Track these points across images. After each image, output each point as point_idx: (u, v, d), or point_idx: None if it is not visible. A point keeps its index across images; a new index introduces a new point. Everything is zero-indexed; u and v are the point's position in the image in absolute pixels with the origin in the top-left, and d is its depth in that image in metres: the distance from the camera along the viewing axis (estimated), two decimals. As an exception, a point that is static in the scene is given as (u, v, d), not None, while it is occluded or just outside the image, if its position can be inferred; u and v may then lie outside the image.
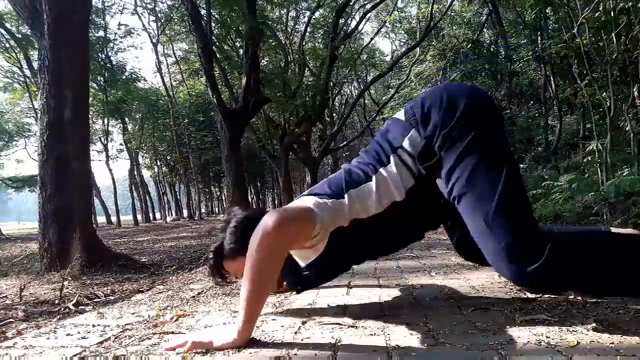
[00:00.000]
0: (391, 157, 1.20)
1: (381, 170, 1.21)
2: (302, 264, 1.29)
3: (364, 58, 18.67)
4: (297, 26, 17.05)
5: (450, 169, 1.15)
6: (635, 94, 5.56)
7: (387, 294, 1.59)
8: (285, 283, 1.48)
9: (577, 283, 1.08)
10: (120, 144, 21.06)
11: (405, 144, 1.20)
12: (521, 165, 10.09)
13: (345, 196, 1.20)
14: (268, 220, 1.08)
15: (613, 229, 1.32)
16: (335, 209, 1.18)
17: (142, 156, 22.75)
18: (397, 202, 1.21)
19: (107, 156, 18.37)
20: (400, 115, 1.27)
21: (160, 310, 1.54)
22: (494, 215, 1.08)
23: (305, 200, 1.21)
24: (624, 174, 4.47)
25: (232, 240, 1.32)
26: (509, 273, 1.08)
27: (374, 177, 1.20)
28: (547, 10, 7.39)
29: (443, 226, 1.45)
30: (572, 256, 1.05)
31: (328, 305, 1.46)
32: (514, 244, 1.06)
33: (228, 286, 1.81)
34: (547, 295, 1.40)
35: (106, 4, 15.13)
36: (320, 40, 17.27)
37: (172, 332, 1.21)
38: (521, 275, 1.06)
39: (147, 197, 20.81)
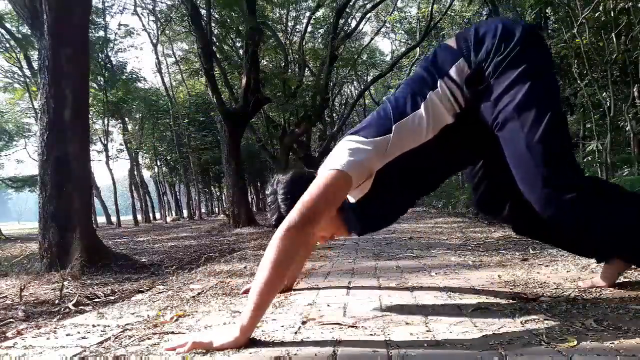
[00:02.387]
0: (439, 82, 1.21)
1: (430, 94, 1.21)
2: (352, 200, 1.31)
3: (364, 58, 18.66)
4: (297, 26, 17.05)
5: (500, 95, 1.15)
6: (635, 94, 5.56)
7: (387, 294, 1.59)
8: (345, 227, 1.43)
9: (597, 231, 1.10)
10: (120, 144, 21.06)
11: (452, 71, 1.20)
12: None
13: (393, 128, 1.20)
14: (294, 215, 1.09)
15: None
16: (379, 148, 1.19)
17: (142, 156, 22.74)
18: (447, 125, 1.21)
19: (107, 156, 18.35)
20: (451, 42, 1.27)
21: (160, 310, 1.54)
22: (538, 141, 1.10)
23: (341, 151, 1.18)
24: (624, 174, 4.48)
25: (287, 206, 1.29)
26: (538, 196, 1.11)
27: (422, 104, 1.21)
28: (547, 10, 7.38)
29: (470, 183, 1.48)
30: (604, 204, 1.09)
31: (328, 305, 1.46)
32: (553, 170, 1.08)
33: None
34: (547, 295, 1.40)
35: (106, 4, 15.13)
36: (320, 40, 17.27)
37: (172, 332, 1.21)
38: (549, 202, 1.09)
39: (147, 197, 20.80)
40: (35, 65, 10.20)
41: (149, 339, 1.15)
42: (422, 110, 1.20)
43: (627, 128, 5.12)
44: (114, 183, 17.89)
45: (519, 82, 1.14)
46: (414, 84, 1.25)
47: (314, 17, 15.24)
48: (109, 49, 16.01)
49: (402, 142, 1.20)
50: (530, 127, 1.11)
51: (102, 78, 14.98)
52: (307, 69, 15.94)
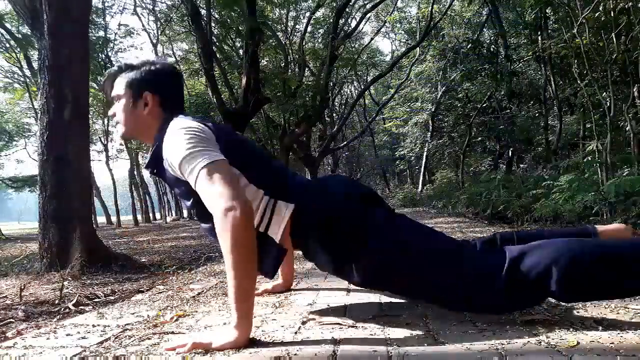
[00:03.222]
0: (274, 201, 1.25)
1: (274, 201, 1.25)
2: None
3: (364, 58, 18.66)
4: (297, 26, 17.05)
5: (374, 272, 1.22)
6: (635, 94, 5.56)
7: (387, 294, 1.59)
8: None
9: (553, 293, 1.09)
10: (120, 144, 21.04)
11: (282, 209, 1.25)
12: (521, 165, 10.10)
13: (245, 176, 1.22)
14: (226, 209, 1.02)
15: (599, 227, 1.33)
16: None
17: (142, 156, 22.73)
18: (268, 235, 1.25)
19: (107, 156, 18.36)
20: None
21: (160, 310, 1.54)
22: (442, 288, 1.15)
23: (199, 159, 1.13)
24: (624, 174, 4.48)
25: (138, 76, 1.29)
26: (489, 312, 1.16)
27: (266, 198, 1.24)
28: (547, 10, 7.38)
29: None
30: (534, 270, 1.06)
31: (328, 305, 1.46)
32: (475, 294, 1.11)
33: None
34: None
35: (106, 4, 15.13)
36: (320, 40, 17.27)
37: (172, 332, 1.21)
38: (500, 310, 1.14)
39: (147, 197, 20.78)
40: (35, 65, 10.19)
41: (149, 339, 1.15)
42: (265, 201, 1.25)
43: (627, 128, 5.12)
44: (114, 183, 17.89)
45: (375, 259, 1.20)
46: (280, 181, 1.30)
47: (313, 17, 15.25)
48: (109, 49, 16.00)
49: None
50: (423, 284, 1.17)
51: (102, 78, 14.97)
52: (307, 69, 15.95)
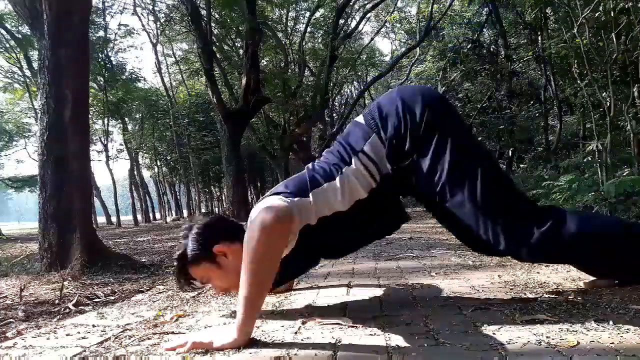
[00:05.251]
0: (353, 159, 1.25)
1: (345, 169, 1.25)
2: None
3: (364, 58, 18.66)
4: (297, 26, 17.04)
5: (428, 171, 1.21)
6: (635, 94, 5.55)
7: (387, 294, 1.59)
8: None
9: (576, 257, 1.15)
10: (120, 144, 21.06)
11: (367, 148, 1.25)
12: (521, 165, 10.10)
13: (310, 195, 1.22)
14: (265, 215, 1.09)
15: None
16: (304, 207, 1.21)
17: (142, 156, 22.74)
18: (360, 200, 1.26)
19: (107, 156, 18.37)
20: (360, 119, 1.32)
21: (160, 310, 1.54)
22: (482, 203, 1.15)
23: (273, 200, 1.19)
24: (624, 174, 4.48)
25: (195, 247, 1.32)
26: (508, 247, 1.17)
27: (337, 177, 1.25)
28: (547, 10, 7.39)
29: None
30: (574, 229, 1.15)
31: (328, 305, 1.46)
32: (510, 220, 1.15)
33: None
34: (547, 295, 1.40)
35: (106, 4, 15.13)
36: (320, 40, 17.26)
37: (172, 332, 1.21)
38: (521, 249, 1.17)
39: (147, 197, 20.81)
40: (35, 65, 10.20)
41: (149, 339, 1.15)
42: (337, 182, 1.24)
43: (627, 128, 5.12)
44: (114, 183, 17.90)
45: (439, 153, 1.20)
46: (331, 157, 1.30)
47: (313, 17, 15.25)
48: (109, 49, 16.02)
49: (318, 208, 1.23)
50: (469, 195, 1.18)
51: (102, 78, 14.99)
52: (307, 69, 15.95)
